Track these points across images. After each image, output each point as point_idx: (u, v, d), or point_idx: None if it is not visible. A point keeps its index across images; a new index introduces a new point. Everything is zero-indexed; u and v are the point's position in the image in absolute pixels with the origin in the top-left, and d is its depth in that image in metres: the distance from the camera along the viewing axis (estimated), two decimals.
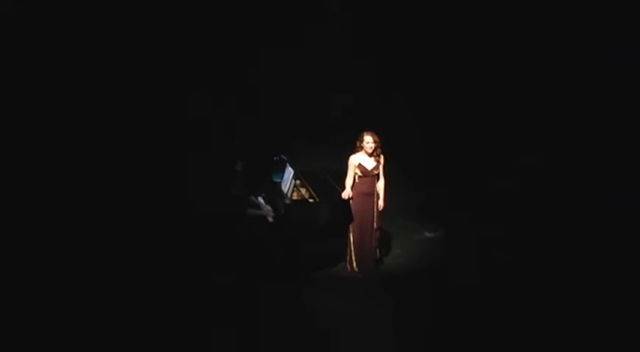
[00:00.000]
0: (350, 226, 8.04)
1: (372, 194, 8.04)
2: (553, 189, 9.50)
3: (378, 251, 8.24)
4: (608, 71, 9.90)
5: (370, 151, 7.96)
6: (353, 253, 8.08)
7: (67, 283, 7.38)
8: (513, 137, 10.42)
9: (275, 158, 8.66)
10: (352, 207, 8.01)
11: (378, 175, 8.07)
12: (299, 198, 8.40)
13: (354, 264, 8.09)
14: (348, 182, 8.01)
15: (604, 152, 9.65)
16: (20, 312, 6.85)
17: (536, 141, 10.24)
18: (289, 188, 8.32)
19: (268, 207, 8.23)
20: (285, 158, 8.66)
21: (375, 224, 8.06)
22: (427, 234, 9.20)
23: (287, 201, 8.13)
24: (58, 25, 10.07)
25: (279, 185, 8.40)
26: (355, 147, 8.03)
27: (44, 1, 10.10)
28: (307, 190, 8.41)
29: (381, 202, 8.11)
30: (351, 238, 8.07)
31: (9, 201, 8.49)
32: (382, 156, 8.05)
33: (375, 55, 11.33)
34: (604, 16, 9.99)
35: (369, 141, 7.95)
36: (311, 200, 8.29)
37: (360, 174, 7.99)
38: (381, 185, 8.12)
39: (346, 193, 7.99)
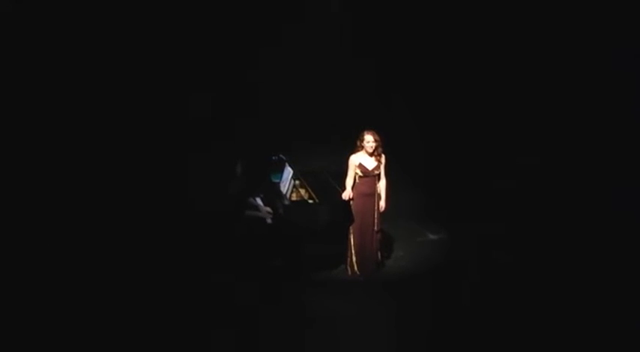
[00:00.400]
0: (350, 228, 7.83)
1: (373, 194, 7.82)
2: (553, 189, 9.39)
3: (379, 253, 8.04)
4: (608, 71, 9.78)
5: (371, 151, 7.76)
6: (353, 255, 7.87)
7: (67, 283, 7.29)
8: (513, 137, 10.31)
9: (274, 157, 8.51)
10: (353, 208, 7.80)
11: (379, 175, 7.86)
12: (298, 198, 8.18)
13: (355, 267, 7.88)
14: (349, 182, 7.79)
15: (604, 152, 9.52)
16: (20, 312, 6.75)
17: (536, 141, 10.12)
18: (288, 188, 8.11)
19: (267, 209, 8.07)
20: (284, 157, 8.48)
21: (376, 225, 7.84)
22: (430, 236, 9.02)
23: (286, 202, 7.93)
24: (58, 25, 10.04)
25: (277, 185, 8.23)
26: (355, 147, 7.83)
27: (44, 1, 10.07)
28: (307, 191, 8.19)
29: (382, 203, 7.89)
30: (352, 240, 7.85)
31: (9, 201, 8.42)
32: (383, 156, 7.86)
33: (375, 55, 11.27)
34: (604, 16, 9.87)
35: (369, 140, 7.74)
36: (310, 201, 8.06)
37: (360, 174, 7.78)
38: (382, 185, 7.90)
39: (346, 194, 7.77)
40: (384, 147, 7.85)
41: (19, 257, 7.60)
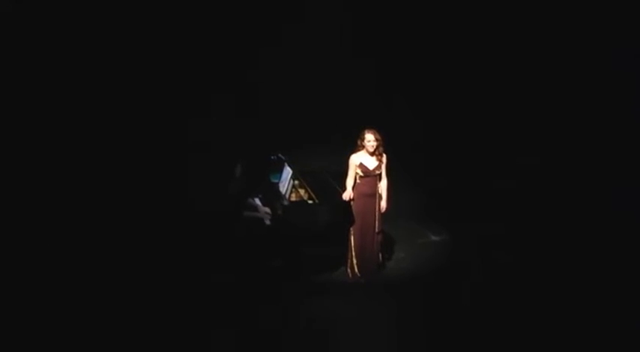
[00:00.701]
0: (351, 229, 7.62)
1: (374, 195, 7.60)
2: (553, 189, 9.30)
3: (380, 255, 7.82)
4: (608, 71, 9.67)
5: (372, 150, 7.55)
6: (354, 257, 7.66)
7: (67, 283, 7.21)
8: (513, 137, 10.21)
9: (272, 157, 8.32)
10: (353, 208, 7.59)
11: (380, 175, 7.65)
12: (297, 199, 7.95)
13: (356, 269, 7.67)
14: (349, 182, 7.58)
15: (604, 152, 9.42)
16: (20, 312, 6.68)
17: (536, 141, 10.01)
18: (287, 189, 7.89)
19: (266, 209, 7.86)
20: (282, 157, 8.27)
21: (377, 227, 7.62)
22: (432, 238, 8.84)
23: (285, 203, 7.70)
24: (58, 25, 9.92)
25: (276, 185, 8.02)
26: (356, 146, 7.63)
27: (44, 1, 9.97)
28: (306, 191, 7.96)
29: (383, 203, 7.68)
30: (352, 241, 7.63)
31: (9, 203, 8.34)
32: (384, 155, 7.65)
33: (375, 54, 11.17)
34: (604, 16, 9.75)
35: (370, 139, 7.53)
36: (310, 201, 7.84)
37: (361, 174, 7.57)
38: (383, 185, 7.68)
39: (347, 194, 7.55)
40: (385, 146, 7.66)
41: (21, 258, 7.53)
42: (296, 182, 8.10)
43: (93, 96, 10.08)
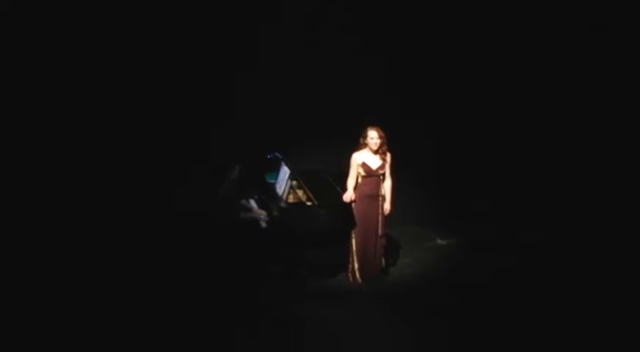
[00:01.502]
0: (352, 232, 6.98)
1: (377, 196, 6.96)
2: (559, 190, 8.68)
3: (383, 260, 7.17)
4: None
5: (375, 148, 6.91)
6: (355, 262, 6.99)
7: (67, 283, 6.81)
8: (519, 138, 9.41)
9: (269, 156, 7.67)
10: (355, 210, 6.95)
11: (383, 175, 7.00)
12: (295, 200, 7.33)
13: (357, 275, 6.99)
14: (351, 183, 6.94)
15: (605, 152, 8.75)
16: (14, 317, 6.16)
17: (545, 142, 9.23)
18: (285, 189, 7.27)
19: (262, 211, 7.21)
20: (280, 156, 7.61)
21: (380, 229, 6.98)
22: (439, 241, 8.28)
23: (282, 204, 7.08)
24: (58, 25, 9.28)
25: (273, 186, 7.43)
26: (358, 144, 6.98)
27: (44, 1, 9.36)
28: (305, 192, 7.33)
29: (387, 205, 7.02)
30: (354, 245, 6.98)
31: (7, 205, 7.94)
32: (388, 154, 7.01)
33: (375, 54, 10.24)
34: (604, 15, 8.98)
35: (373, 136, 6.89)
36: (309, 203, 7.20)
37: (363, 173, 6.92)
38: (387, 186, 7.02)
39: (348, 195, 6.92)
40: (388, 144, 6.99)
41: (19, 260, 7.15)
42: (294, 182, 7.45)
43: (93, 98, 9.45)
